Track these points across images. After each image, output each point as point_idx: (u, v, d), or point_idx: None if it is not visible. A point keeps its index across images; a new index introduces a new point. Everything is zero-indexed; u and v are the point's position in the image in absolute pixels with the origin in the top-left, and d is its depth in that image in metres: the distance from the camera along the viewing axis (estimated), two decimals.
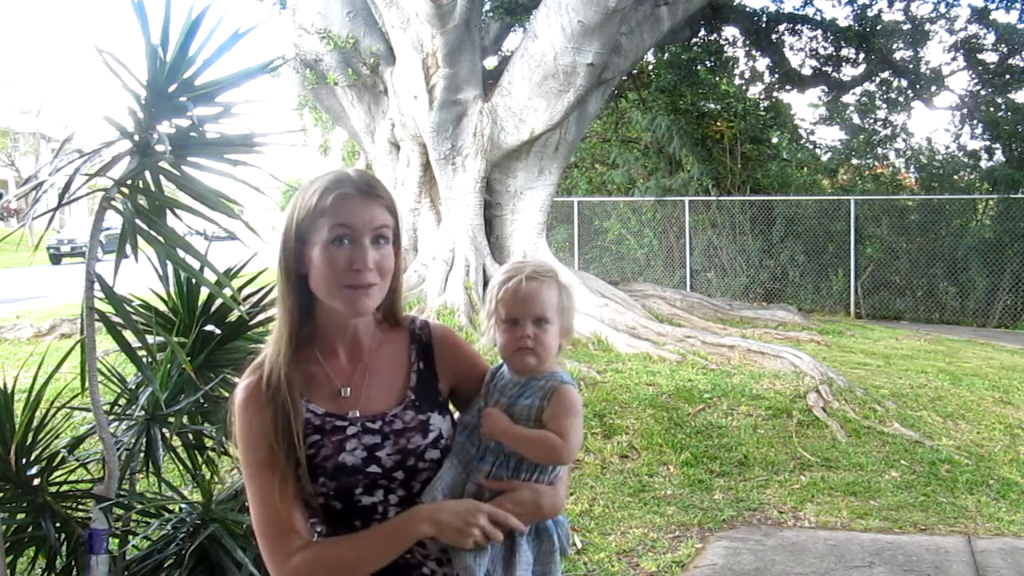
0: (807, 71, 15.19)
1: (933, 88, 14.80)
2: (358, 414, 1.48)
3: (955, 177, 14.09)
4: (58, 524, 2.34)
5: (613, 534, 4.36)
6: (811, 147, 15.98)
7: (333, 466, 1.43)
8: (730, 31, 14.77)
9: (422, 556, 1.47)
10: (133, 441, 2.51)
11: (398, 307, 1.58)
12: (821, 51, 14.86)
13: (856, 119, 15.71)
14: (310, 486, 1.43)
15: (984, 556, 4.09)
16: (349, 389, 1.50)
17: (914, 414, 6.39)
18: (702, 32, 14.11)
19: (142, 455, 2.54)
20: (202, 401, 2.59)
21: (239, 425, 1.45)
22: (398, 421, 1.49)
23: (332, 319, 1.50)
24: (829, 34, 14.51)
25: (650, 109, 14.97)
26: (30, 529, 2.37)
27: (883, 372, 7.84)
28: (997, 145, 14.14)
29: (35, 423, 2.41)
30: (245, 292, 2.76)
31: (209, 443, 2.71)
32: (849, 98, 15.83)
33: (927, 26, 14.75)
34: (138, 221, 2.24)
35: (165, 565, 2.32)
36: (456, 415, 1.62)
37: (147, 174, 2.32)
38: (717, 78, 15.40)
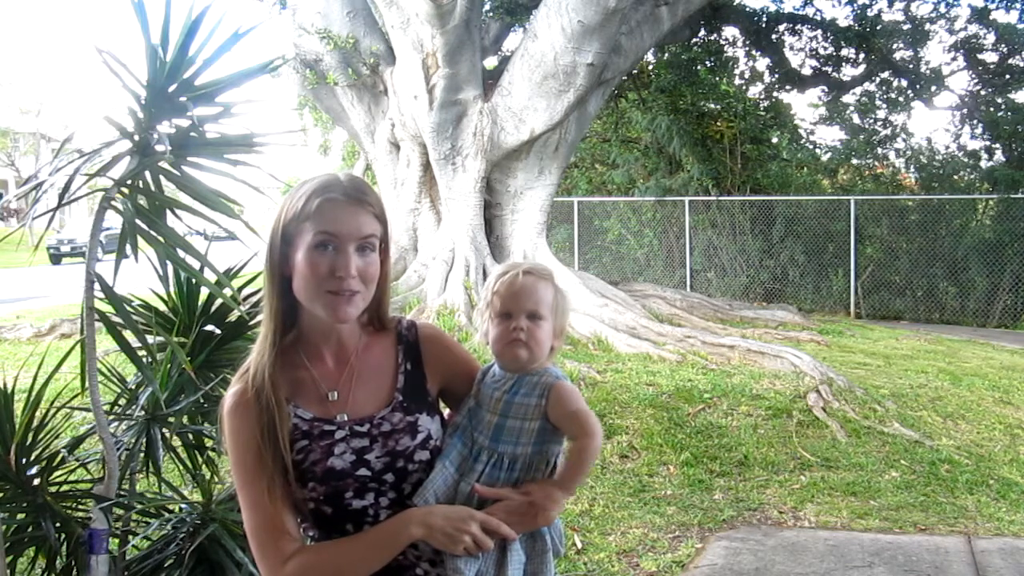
0: (807, 71, 15.19)
1: (933, 88, 14.79)
2: (346, 418, 1.48)
3: (955, 177, 14.10)
4: (58, 524, 2.33)
5: (613, 534, 4.36)
6: (811, 147, 15.99)
7: (322, 471, 1.43)
8: (730, 31, 14.79)
9: (415, 557, 1.46)
10: (133, 441, 2.51)
11: (384, 312, 1.58)
12: (821, 51, 14.86)
13: (856, 119, 15.72)
14: (300, 491, 1.43)
15: (984, 556, 4.09)
16: (336, 393, 1.50)
17: (914, 414, 6.39)
18: (702, 32, 14.11)
19: (142, 455, 2.54)
20: (202, 401, 2.59)
21: (228, 431, 1.45)
22: (386, 423, 1.49)
23: (316, 323, 1.49)
24: (829, 34, 14.51)
25: (650, 109, 14.97)
26: (30, 529, 2.36)
27: (883, 372, 7.83)
28: (997, 145, 14.13)
29: (35, 423, 2.40)
30: (245, 292, 2.76)
31: (209, 443, 2.71)
32: (849, 98, 15.85)
33: (927, 26, 14.75)
34: (138, 221, 2.23)
35: (165, 565, 2.32)
36: (446, 415, 1.62)
37: (147, 174, 2.32)
38: (717, 78, 15.40)
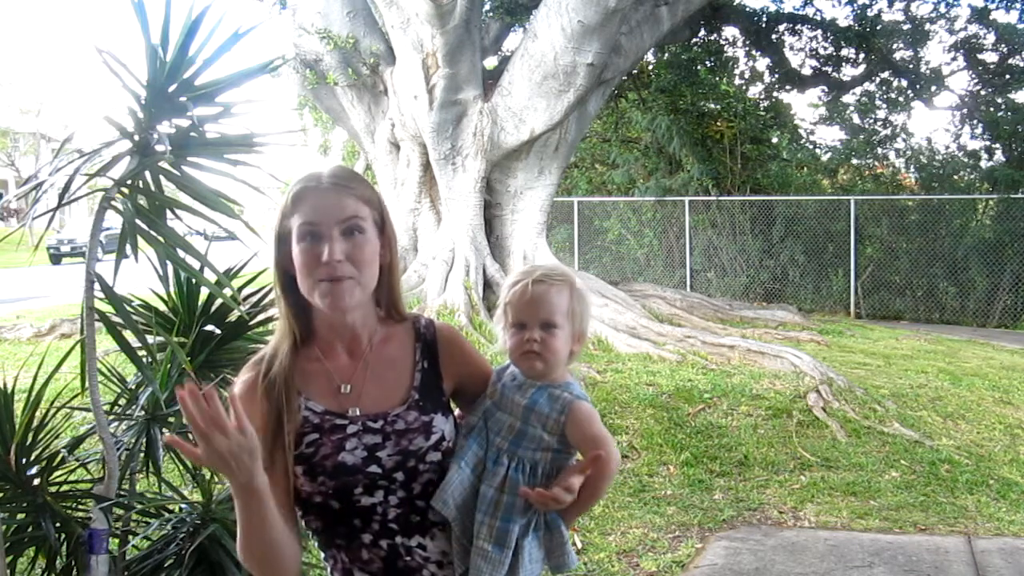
0: (807, 71, 15.19)
1: (933, 88, 14.79)
2: (358, 412, 1.47)
3: (955, 177, 14.09)
4: (58, 524, 2.33)
5: (613, 534, 4.36)
6: (811, 147, 15.98)
7: (332, 465, 1.43)
8: (730, 31, 14.79)
9: (422, 559, 1.46)
10: (133, 441, 2.51)
11: (397, 299, 1.56)
12: (821, 51, 14.85)
13: (856, 119, 15.71)
14: (309, 484, 1.43)
15: (984, 556, 4.09)
16: (350, 386, 1.49)
17: (914, 414, 6.39)
18: (702, 32, 14.11)
19: (142, 455, 2.54)
20: None
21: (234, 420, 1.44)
22: (400, 421, 1.48)
23: (326, 317, 1.49)
24: (829, 34, 14.50)
25: (650, 109, 14.97)
26: (30, 529, 2.36)
27: (883, 372, 7.83)
28: (997, 145, 14.12)
29: (35, 423, 2.40)
30: (245, 292, 2.76)
31: None
32: (849, 98, 15.84)
33: (927, 26, 14.75)
34: (138, 221, 2.23)
35: (165, 565, 2.32)
36: (458, 414, 1.61)
37: (147, 174, 2.31)
38: (717, 78, 15.39)
